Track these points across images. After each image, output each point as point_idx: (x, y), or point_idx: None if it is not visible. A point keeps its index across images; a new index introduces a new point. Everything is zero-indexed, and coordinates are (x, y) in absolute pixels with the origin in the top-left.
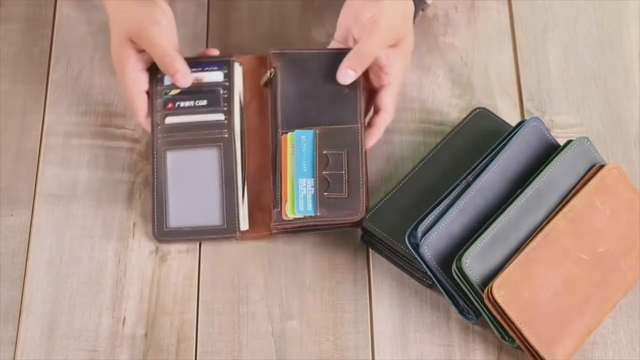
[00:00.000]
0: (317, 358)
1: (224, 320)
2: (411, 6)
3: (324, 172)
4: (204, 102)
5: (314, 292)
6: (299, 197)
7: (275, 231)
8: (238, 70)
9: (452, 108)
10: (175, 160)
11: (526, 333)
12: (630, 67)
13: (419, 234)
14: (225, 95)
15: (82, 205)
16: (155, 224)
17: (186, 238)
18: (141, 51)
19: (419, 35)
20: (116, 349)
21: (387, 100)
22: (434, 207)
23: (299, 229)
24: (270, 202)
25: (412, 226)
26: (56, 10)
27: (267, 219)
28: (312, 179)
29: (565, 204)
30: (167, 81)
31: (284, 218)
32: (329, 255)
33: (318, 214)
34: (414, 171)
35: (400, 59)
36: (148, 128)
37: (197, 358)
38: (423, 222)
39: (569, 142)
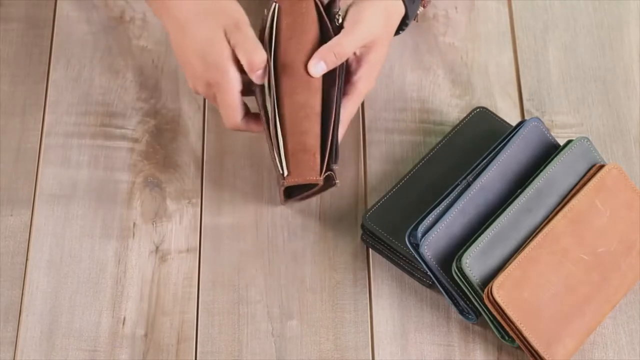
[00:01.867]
0: (317, 358)
1: (224, 320)
2: (399, 8)
3: None
4: None
5: (314, 292)
6: None
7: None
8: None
9: (452, 108)
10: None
11: (526, 333)
12: (630, 67)
13: (419, 234)
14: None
15: (82, 205)
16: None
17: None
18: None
19: (419, 35)
20: (116, 349)
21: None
22: (434, 207)
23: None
24: (315, 143)
25: (412, 226)
26: (56, 10)
27: (312, 161)
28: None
29: (565, 204)
30: None
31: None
32: (329, 255)
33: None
34: (414, 171)
35: (366, 67)
36: (243, 127)
37: (197, 358)
38: (423, 222)
39: (568, 142)
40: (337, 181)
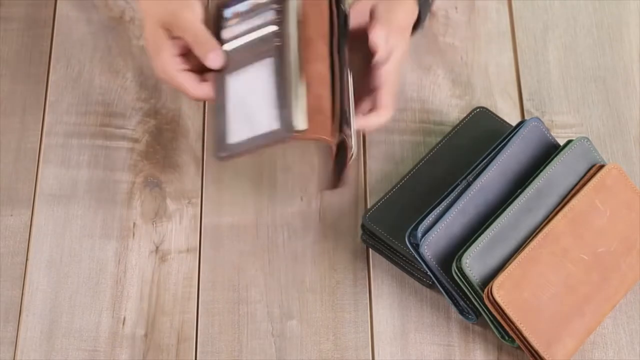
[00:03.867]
0: (317, 358)
1: (224, 320)
2: (412, 7)
3: None
4: (259, 21)
5: (314, 292)
6: None
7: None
8: None
9: (452, 108)
10: (235, 83)
11: (526, 333)
12: (630, 67)
13: (419, 234)
14: (280, 9)
15: (82, 205)
16: (216, 144)
17: (245, 150)
18: (175, 38)
19: (419, 35)
20: (116, 349)
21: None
22: (434, 207)
23: None
24: (328, 107)
25: (412, 226)
26: (56, 10)
27: (327, 122)
28: None
29: (565, 204)
30: (227, 14)
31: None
32: (329, 255)
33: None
34: (414, 171)
35: (392, 60)
36: (206, 96)
37: (197, 358)
38: (423, 222)
39: (569, 142)
40: (353, 149)
